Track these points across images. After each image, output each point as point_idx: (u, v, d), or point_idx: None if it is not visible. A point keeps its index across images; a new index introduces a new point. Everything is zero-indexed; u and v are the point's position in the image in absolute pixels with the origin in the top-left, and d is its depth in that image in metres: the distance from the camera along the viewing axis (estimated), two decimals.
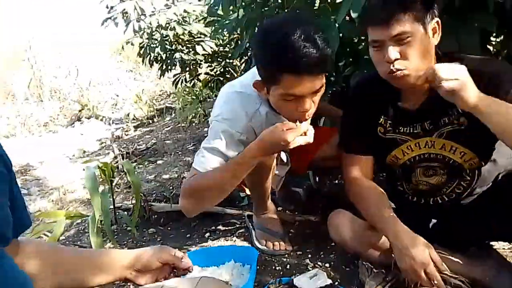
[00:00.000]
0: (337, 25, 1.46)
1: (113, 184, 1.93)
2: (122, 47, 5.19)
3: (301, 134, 1.10)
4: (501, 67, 1.10)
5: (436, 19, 1.06)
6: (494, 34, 1.50)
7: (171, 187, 2.37)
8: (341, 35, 1.53)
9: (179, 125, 4.03)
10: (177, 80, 4.44)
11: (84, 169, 1.63)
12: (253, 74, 1.31)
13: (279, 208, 1.90)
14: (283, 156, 1.65)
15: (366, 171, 1.29)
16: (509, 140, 0.98)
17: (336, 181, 2.09)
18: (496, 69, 1.07)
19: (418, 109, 1.16)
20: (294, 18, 1.19)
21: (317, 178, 2.04)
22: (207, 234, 1.79)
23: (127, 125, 4.79)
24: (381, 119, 1.24)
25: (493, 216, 1.15)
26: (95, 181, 1.51)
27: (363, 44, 1.76)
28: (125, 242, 1.82)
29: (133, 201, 2.02)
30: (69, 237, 2.00)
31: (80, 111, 5.58)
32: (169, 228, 1.91)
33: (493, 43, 1.59)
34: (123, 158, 3.13)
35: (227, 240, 1.70)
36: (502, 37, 1.52)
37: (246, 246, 1.53)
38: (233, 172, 1.20)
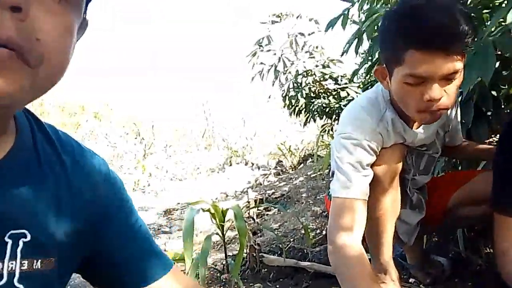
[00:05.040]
0: (491, 38, 1.11)
1: (224, 229, 1.83)
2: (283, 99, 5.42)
3: None
4: None
5: None
6: None
7: (291, 240, 2.15)
8: (499, 52, 1.16)
9: (318, 173, 3.83)
10: (324, 129, 4.31)
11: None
12: (375, 87, 1.19)
13: (411, 280, 1.49)
14: (415, 197, 1.30)
15: None
16: None
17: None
18: None
19: None
20: None
21: (465, 244, 1.55)
22: None
23: (269, 171, 4.83)
24: None
25: None
26: (191, 226, 1.41)
27: None
28: None
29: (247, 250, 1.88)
30: None
31: (231, 157, 5.93)
32: (277, 286, 1.68)
33: None
34: (255, 203, 3.07)
35: None
36: None
37: None
38: None
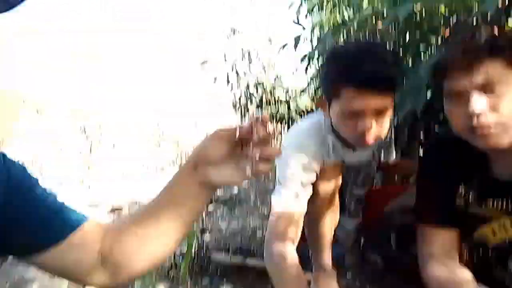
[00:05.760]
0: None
1: None
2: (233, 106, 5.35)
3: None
4: None
5: None
6: None
7: (239, 239, 2.24)
8: None
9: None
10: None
11: None
12: (318, 112, 1.28)
13: (348, 277, 1.63)
14: (352, 207, 1.45)
15: (447, 249, 1.01)
16: None
17: None
18: None
19: None
20: (367, 42, 1.20)
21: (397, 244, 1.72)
22: None
23: None
24: (461, 190, 0.98)
25: None
26: None
27: None
28: None
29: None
30: None
31: (182, 155, 5.91)
32: (224, 280, 1.76)
33: None
34: (211, 202, 3.13)
35: None
36: None
37: None
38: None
